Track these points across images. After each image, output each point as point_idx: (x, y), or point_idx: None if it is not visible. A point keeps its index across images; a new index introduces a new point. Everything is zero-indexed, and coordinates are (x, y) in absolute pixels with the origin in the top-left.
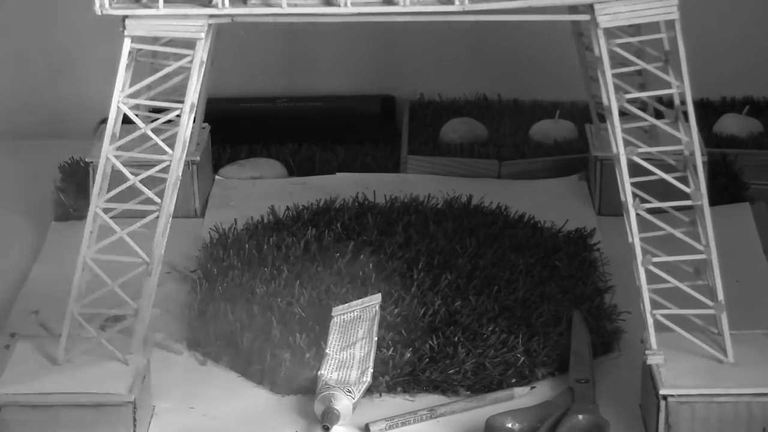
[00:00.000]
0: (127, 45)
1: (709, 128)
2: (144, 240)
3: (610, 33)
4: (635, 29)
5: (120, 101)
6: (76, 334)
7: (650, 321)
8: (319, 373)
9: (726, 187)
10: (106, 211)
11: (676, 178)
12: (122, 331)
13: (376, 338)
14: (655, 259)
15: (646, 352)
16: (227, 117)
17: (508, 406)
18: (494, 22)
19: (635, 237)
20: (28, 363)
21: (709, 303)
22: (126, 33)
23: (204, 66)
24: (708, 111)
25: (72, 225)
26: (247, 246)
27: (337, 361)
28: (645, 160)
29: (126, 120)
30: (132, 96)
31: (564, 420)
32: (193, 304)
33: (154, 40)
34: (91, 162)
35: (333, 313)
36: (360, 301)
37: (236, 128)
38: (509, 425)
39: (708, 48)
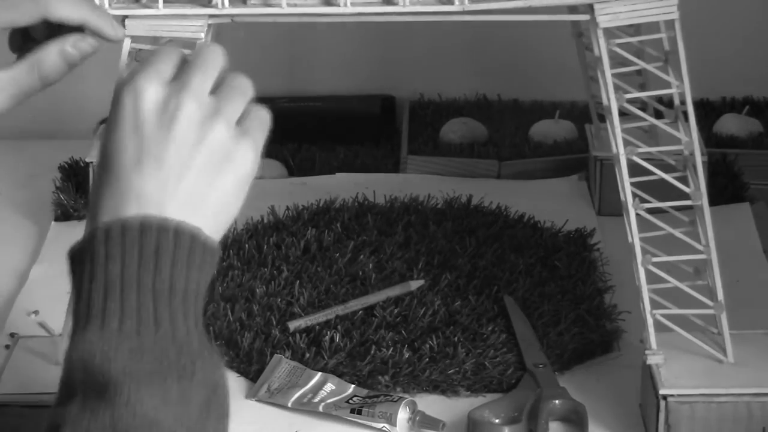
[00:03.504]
0: (126, 45)
1: (709, 128)
2: None
3: (609, 33)
4: (635, 29)
5: None
6: None
7: (650, 321)
8: None
9: (726, 187)
10: None
11: (676, 178)
12: None
13: None
14: (655, 259)
15: (646, 351)
16: None
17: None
18: (494, 22)
19: (635, 237)
20: (28, 363)
21: (709, 303)
22: (126, 33)
23: None
24: (708, 111)
25: (72, 225)
26: (247, 246)
27: None
28: (645, 160)
29: None
30: None
31: (542, 407)
32: None
33: (154, 40)
34: (91, 162)
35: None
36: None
37: None
38: (491, 419)
39: (708, 48)
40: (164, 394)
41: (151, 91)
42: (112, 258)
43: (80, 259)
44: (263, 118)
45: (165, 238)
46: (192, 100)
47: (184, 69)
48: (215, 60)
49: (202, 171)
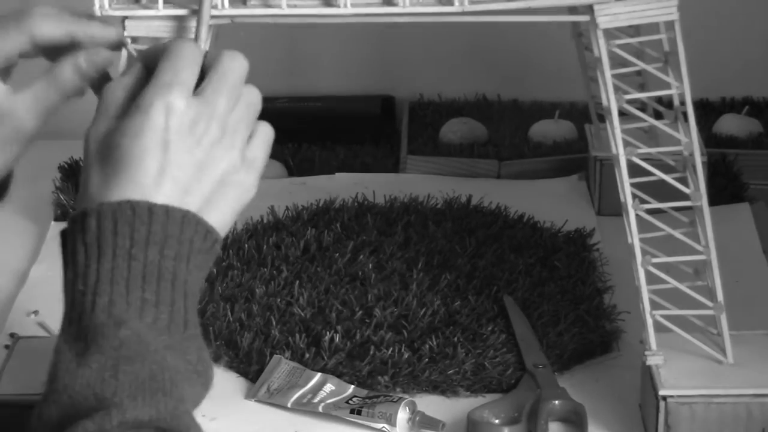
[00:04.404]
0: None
1: (708, 128)
2: None
3: (609, 34)
4: (635, 30)
5: None
6: None
7: (650, 321)
8: None
9: (725, 187)
10: None
11: (676, 179)
12: None
13: None
14: (655, 260)
15: (646, 352)
16: None
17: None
18: (494, 22)
19: (635, 237)
20: (28, 363)
21: (709, 303)
22: (125, 34)
23: None
24: (707, 111)
25: None
26: (246, 246)
27: None
28: (644, 160)
29: None
30: None
31: (541, 408)
32: None
33: (154, 41)
34: None
35: None
36: None
37: None
38: (490, 420)
39: (708, 48)
40: (194, 397)
41: (181, 110)
42: (151, 243)
43: (90, 233)
44: (268, 142)
45: (197, 233)
46: (217, 126)
47: (211, 83)
48: (241, 77)
49: (212, 195)
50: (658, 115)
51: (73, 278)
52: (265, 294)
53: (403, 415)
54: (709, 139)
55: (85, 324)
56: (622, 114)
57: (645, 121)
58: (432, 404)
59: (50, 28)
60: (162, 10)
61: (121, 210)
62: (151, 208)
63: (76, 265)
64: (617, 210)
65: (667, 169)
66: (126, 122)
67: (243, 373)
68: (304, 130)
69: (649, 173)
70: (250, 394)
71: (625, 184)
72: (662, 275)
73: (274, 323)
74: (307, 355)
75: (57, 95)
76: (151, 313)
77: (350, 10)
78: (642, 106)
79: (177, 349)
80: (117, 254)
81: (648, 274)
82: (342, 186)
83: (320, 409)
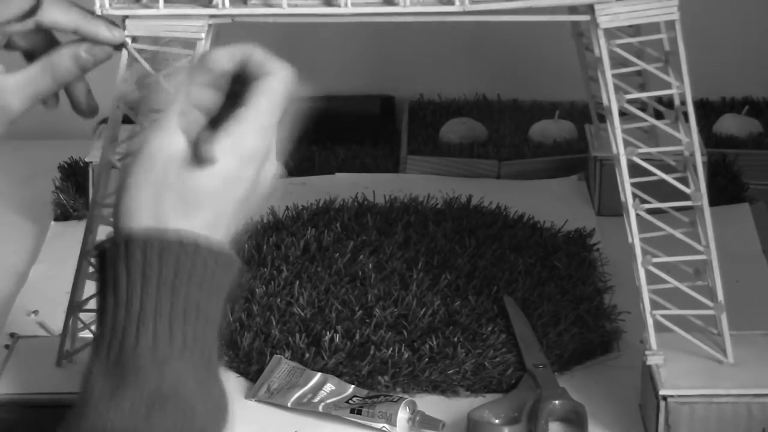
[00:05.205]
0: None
1: (708, 128)
2: None
3: (610, 33)
4: (635, 30)
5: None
6: (76, 334)
7: (650, 321)
8: None
9: (725, 187)
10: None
11: (676, 179)
12: None
13: None
14: (655, 260)
15: (646, 352)
16: None
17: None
18: (494, 22)
19: (635, 237)
20: (28, 363)
21: (709, 303)
22: (126, 33)
23: None
24: (707, 111)
25: (72, 225)
26: (246, 246)
27: None
28: (645, 160)
29: (126, 120)
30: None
31: (542, 408)
32: None
33: (155, 41)
34: (91, 162)
35: None
36: None
37: None
38: (490, 419)
39: (708, 48)
40: None
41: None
42: (193, 278)
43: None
44: (275, 169)
45: (230, 270)
46: (237, 163)
47: (243, 120)
48: (278, 106)
49: (239, 205)
50: (658, 115)
51: (114, 305)
52: (265, 294)
53: (403, 414)
54: (709, 139)
55: (126, 355)
56: (623, 114)
57: (645, 120)
58: (432, 404)
59: (57, 14)
60: (163, 9)
61: (167, 241)
62: (197, 242)
63: (117, 292)
64: (617, 210)
65: (667, 169)
66: (134, 161)
67: (243, 373)
68: (304, 130)
69: (650, 173)
70: (251, 394)
71: (626, 184)
72: (662, 275)
73: (274, 323)
74: (307, 355)
75: (50, 81)
76: (190, 350)
77: (351, 10)
78: (642, 105)
79: (207, 386)
80: (161, 286)
81: (648, 273)
82: (342, 186)
83: (320, 408)
